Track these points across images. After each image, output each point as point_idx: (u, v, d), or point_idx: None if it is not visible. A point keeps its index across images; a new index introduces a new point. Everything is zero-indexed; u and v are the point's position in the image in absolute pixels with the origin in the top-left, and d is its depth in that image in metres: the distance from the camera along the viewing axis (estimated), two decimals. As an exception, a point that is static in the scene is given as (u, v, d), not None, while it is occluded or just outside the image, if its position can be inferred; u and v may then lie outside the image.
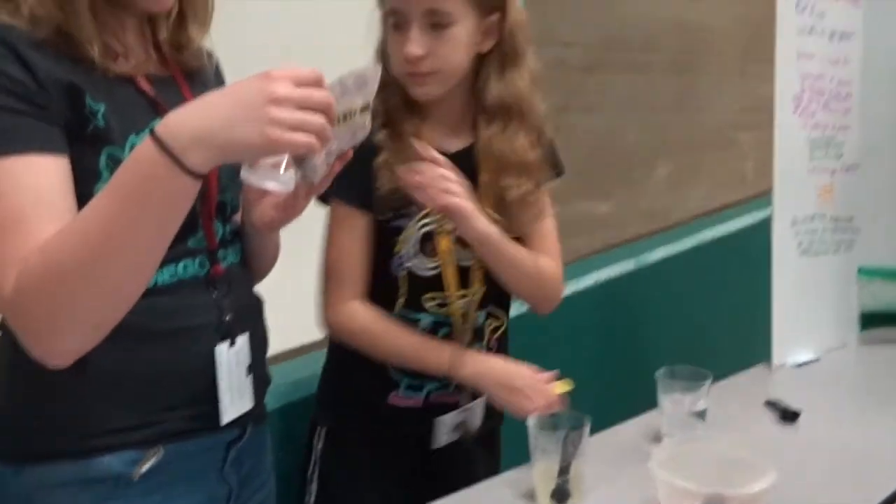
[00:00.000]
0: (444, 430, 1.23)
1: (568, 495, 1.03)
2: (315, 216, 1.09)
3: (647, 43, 4.50)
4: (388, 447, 1.24)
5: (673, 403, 1.23)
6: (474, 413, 1.25)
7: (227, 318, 0.90)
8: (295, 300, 1.18)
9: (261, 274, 1.04)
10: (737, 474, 0.96)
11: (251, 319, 0.97)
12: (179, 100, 0.85)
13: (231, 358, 0.90)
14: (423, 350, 1.17)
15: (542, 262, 1.23)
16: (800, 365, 1.58)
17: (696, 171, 4.89)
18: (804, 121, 1.54)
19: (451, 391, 1.23)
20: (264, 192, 0.87)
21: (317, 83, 0.73)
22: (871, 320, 1.70)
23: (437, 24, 1.09)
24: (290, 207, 0.89)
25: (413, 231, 1.16)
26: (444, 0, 1.08)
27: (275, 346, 1.04)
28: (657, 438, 1.22)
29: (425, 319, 1.20)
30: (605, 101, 4.32)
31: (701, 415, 1.22)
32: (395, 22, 1.11)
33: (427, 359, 1.16)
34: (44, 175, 0.76)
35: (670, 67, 4.69)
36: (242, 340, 0.92)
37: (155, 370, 0.85)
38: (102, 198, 0.74)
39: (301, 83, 0.71)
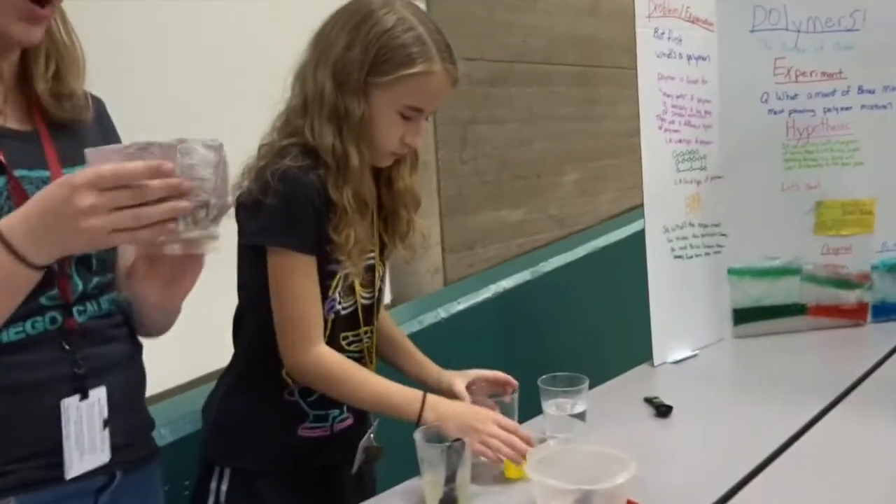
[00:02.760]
0: (360, 454, 1.29)
1: (455, 501, 1.11)
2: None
3: (548, 56, 4.68)
4: (297, 478, 1.26)
5: (555, 407, 1.32)
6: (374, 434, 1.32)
7: (80, 372, 0.92)
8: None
9: (153, 333, 1.06)
10: (604, 470, 1.06)
11: (116, 370, 0.97)
12: (36, 154, 0.88)
13: (82, 411, 0.91)
14: (392, 395, 1.21)
15: None
16: (678, 361, 1.71)
17: (602, 177, 5.11)
18: (668, 136, 1.68)
19: (347, 416, 1.29)
20: (145, 268, 0.90)
21: (119, 180, 0.73)
22: (743, 316, 1.85)
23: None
24: (166, 293, 0.92)
25: (341, 277, 1.22)
26: None
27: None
28: (541, 441, 1.31)
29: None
30: (512, 113, 4.47)
31: (581, 416, 1.32)
32: (407, 114, 1.18)
33: (398, 405, 1.20)
34: None
35: (571, 79, 4.88)
36: (98, 393, 0.93)
37: (3, 423, 0.87)
38: None
39: (104, 188, 0.73)
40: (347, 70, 1.16)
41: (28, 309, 0.86)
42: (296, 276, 1.17)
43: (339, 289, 1.22)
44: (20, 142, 0.90)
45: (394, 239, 1.32)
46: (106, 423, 0.94)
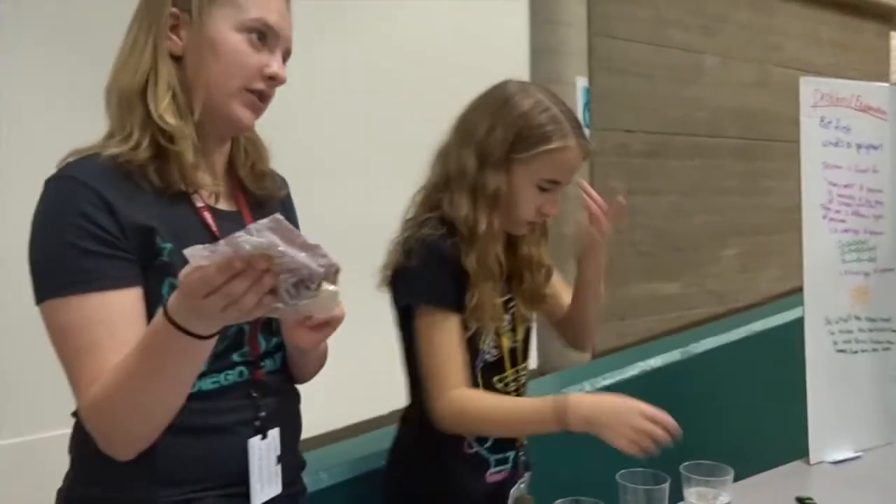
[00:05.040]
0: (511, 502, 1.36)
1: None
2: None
3: (711, 129, 4.60)
4: None
5: (696, 496, 1.30)
6: None
7: (262, 415, 1.05)
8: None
9: (304, 378, 1.19)
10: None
11: (285, 415, 1.10)
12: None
13: (263, 450, 1.04)
14: (523, 407, 1.28)
15: None
16: (837, 462, 1.61)
17: (765, 253, 4.88)
18: (834, 226, 1.63)
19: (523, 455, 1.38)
20: (295, 320, 1.01)
21: (226, 270, 0.77)
22: (915, 419, 1.72)
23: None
24: (313, 338, 1.01)
25: (486, 333, 1.32)
26: None
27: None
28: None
29: None
30: (670, 185, 4.42)
31: (725, 508, 1.29)
32: (544, 186, 1.29)
33: (540, 420, 1.22)
34: (119, 308, 0.93)
35: (735, 152, 4.76)
36: (274, 434, 1.06)
37: (195, 458, 1.00)
38: (132, 354, 0.89)
39: (206, 294, 0.78)
40: (490, 149, 1.28)
41: (221, 364, 1.02)
42: (435, 331, 1.26)
43: (487, 341, 1.32)
44: (228, 220, 1.06)
45: (524, 302, 1.39)
46: (279, 460, 1.07)
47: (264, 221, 0.77)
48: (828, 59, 5.12)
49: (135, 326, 0.94)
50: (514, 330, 1.38)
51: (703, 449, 1.40)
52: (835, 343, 1.65)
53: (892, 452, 1.69)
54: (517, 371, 1.39)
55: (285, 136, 1.19)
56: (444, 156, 1.34)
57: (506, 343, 1.35)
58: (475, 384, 1.31)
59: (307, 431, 1.18)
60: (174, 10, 1.01)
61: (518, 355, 1.39)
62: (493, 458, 1.34)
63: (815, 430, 1.60)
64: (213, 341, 0.88)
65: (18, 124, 2.26)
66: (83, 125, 1.06)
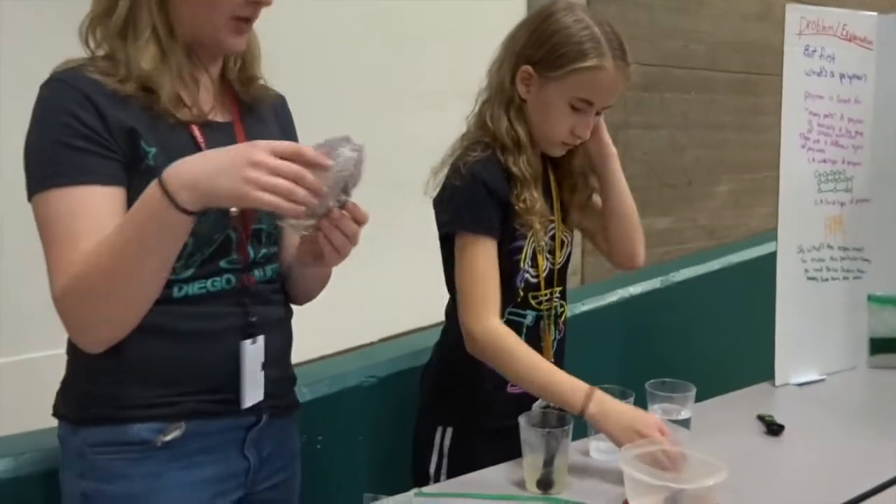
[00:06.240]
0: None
1: (551, 484, 1.20)
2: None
3: (710, 62, 4.54)
4: (508, 437, 1.35)
5: (660, 412, 1.37)
6: None
7: (252, 320, 1.08)
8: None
9: (303, 298, 1.23)
10: (695, 473, 1.10)
11: (275, 326, 1.13)
12: (229, 141, 1.04)
13: (252, 353, 1.08)
14: (558, 382, 1.27)
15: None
16: (802, 384, 1.68)
17: (759, 189, 4.89)
18: (811, 155, 1.65)
19: None
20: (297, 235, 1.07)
21: (294, 156, 0.90)
22: (881, 346, 1.78)
23: (599, 112, 1.34)
24: (318, 255, 1.06)
25: (527, 248, 1.37)
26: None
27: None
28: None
29: (530, 315, 1.40)
30: (666, 119, 4.39)
31: (685, 423, 1.36)
32: (577, 105, 1.30)
33: (563, 392, 1.25)
34: (98, 201, 0.97)
35: (733, 86, 4.71)
36: (261, 340, 1.09)
37: (180, 362, 1.04)
38: (120, 226, 0.94)
39: (279, 154, 0.89)
40: (526, 63, 1.30)
41: (209, 270, 1.05)
42: (476, 255, 1.31)
43: (527, 259, 1.37)
44: (217, 131, 1.08)
45: (577, 210, 1.45)
46: (263, 366, 1.11)
47: (356, 144, 0.92)
48: (834, -9, 5.01)
49: (114, 221, 0.97)
50: (552, 252, 1.41)
51: (676, 372, 1.46)
52: (806, 271, 1.69)
53: (856, 376, 1.75)
54: (551, 293, 1.42)
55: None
56: (490, 72, 1.37)
57: (542, 264, 1.39)
58: (517, 299, 1.37)
59: (306, 354, 1.22)
60: None
61: (554, 278, 1.43)
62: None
63: (781, 353, 1.66)
64: (189, 223, 0.93)
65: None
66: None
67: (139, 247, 0.94)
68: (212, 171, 0.90)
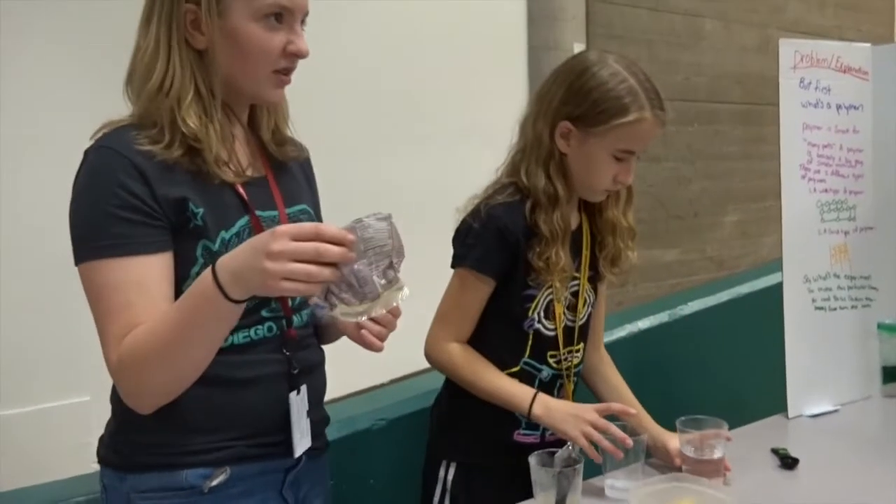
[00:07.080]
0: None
1: (564, 524, 1.19)
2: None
3: (712, 94, 4.58)
4: (511, 475, 1.39)
5: (691, 450, 1.33)
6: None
7: (296, 371, 1.12)
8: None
9: (327, 341, 1.26)
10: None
11: (313, 372, 1.17)
12: (268, 197, 1.10)
13: (298, 403, 1.11)
14: (506, 388, 1.35)
15: None
16: (816, 416, 1.66)
17: (766, 218, 4.88)
18: (813, 185, 1.66)
19: None
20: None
21: (314, 237, 0.88)
22: (894, 374, 1.76)
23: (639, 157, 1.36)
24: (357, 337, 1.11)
25: (541, 299, 1.38)
26: None
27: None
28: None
29: (546, 371, 1.41)
30: (669, 152, 4.42)
31: (717, 463, 1.33)
32: (620, 156, 1.32)
33: (511, 396, 1.34)
34: (148, 269, 1.01)
35: (736, 117, 4.74)
36: (304, 390, 1.12)
37: (228, 408, 1.07)
38: (174, 307, 0.98)
39: (298, 238, 0.88)
40: (563, 119, 1.32)
41: (252, 319, 1.08)
42: (466, 288, 1.36)
43: (538, 310, 1.37)
44: (256, 187, 1.11)
45: (606, 265, 1.44)
46: (308, 414, 1.14)
47: (377, 213, 0.90)
48: (831, 21, 5.07)
49: (163, 287, 1.01)
50: (572, 308, 1.41)
51: (687, 406, 1.45)
52: (813, 300, 1.68)
53: (870, 406, 1.74)
54: (570, 351, 1.42)
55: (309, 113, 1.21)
56: (523, 126, 1.39)
57: (561, 318, 1.39)
58: (526, 348, 1.38)
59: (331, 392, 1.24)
60: (189, 5, 1.04)
61: (575, 336, 1.43)
62: (524, 420, 1.38)
63: (793, 384, 1.65)
64: (239, 310, 0.96)
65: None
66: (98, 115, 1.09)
67: (192, 328, 0.97)
68: (242, 267, 0.92)
